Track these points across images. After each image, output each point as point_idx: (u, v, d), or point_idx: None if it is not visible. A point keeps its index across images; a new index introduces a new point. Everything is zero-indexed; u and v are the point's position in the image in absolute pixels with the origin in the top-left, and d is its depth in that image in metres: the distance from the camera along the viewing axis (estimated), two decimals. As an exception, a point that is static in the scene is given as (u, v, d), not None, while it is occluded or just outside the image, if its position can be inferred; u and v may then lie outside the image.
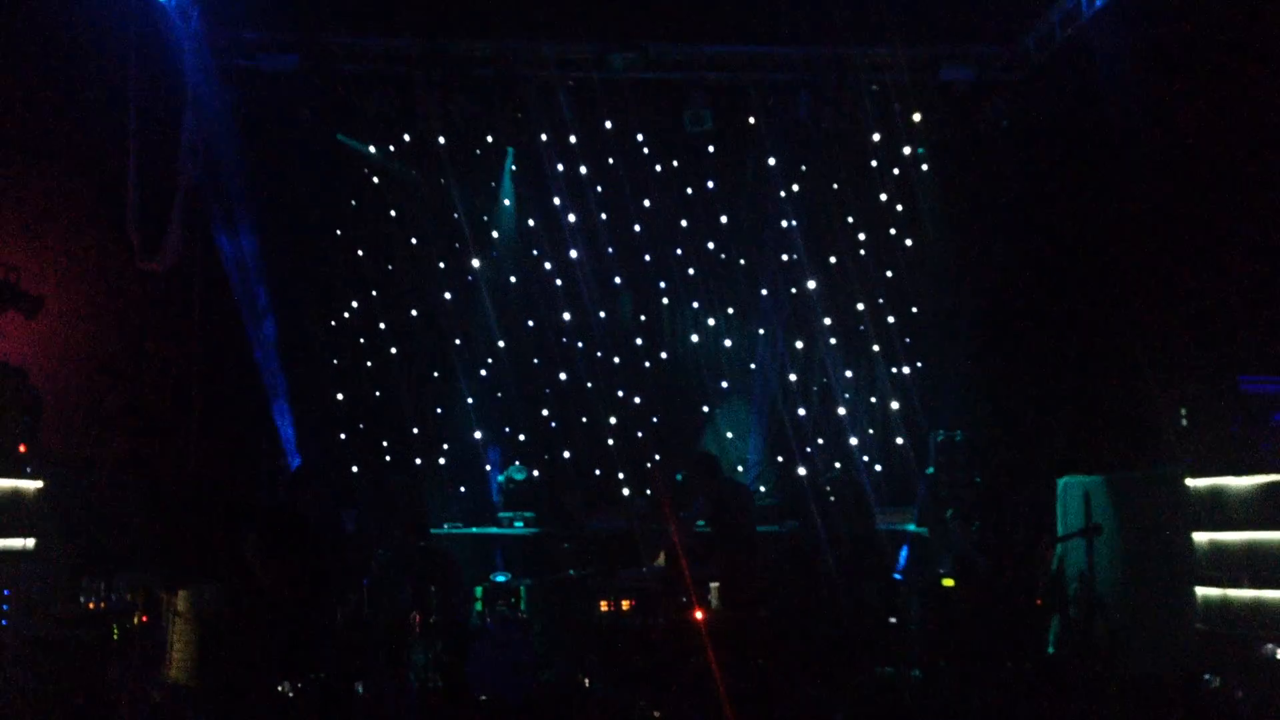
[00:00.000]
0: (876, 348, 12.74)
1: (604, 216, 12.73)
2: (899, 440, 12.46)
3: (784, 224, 12.70)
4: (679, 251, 13.00)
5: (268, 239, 11.35)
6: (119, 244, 9.88)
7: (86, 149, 9.80)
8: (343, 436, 12.24)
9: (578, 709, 8.33)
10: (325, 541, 8.81)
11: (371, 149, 12.43)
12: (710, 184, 12.87)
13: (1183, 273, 9.38)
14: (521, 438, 12.61)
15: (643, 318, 13.15)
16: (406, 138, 12.29)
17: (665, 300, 13.12)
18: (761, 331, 13.06)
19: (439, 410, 12.72)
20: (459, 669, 8.53)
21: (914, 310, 12.92)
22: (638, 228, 12.86)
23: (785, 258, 12.90)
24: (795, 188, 12.82)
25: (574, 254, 12.72)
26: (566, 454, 12.60)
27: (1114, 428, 9.94)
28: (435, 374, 12.75)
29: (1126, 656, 8.67)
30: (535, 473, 12.08)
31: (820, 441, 12.80)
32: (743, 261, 13.04)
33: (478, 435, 12.53)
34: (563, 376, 12.77)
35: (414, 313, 12.75)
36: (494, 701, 8.37)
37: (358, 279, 12.62)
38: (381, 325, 12.66)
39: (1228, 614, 8.00)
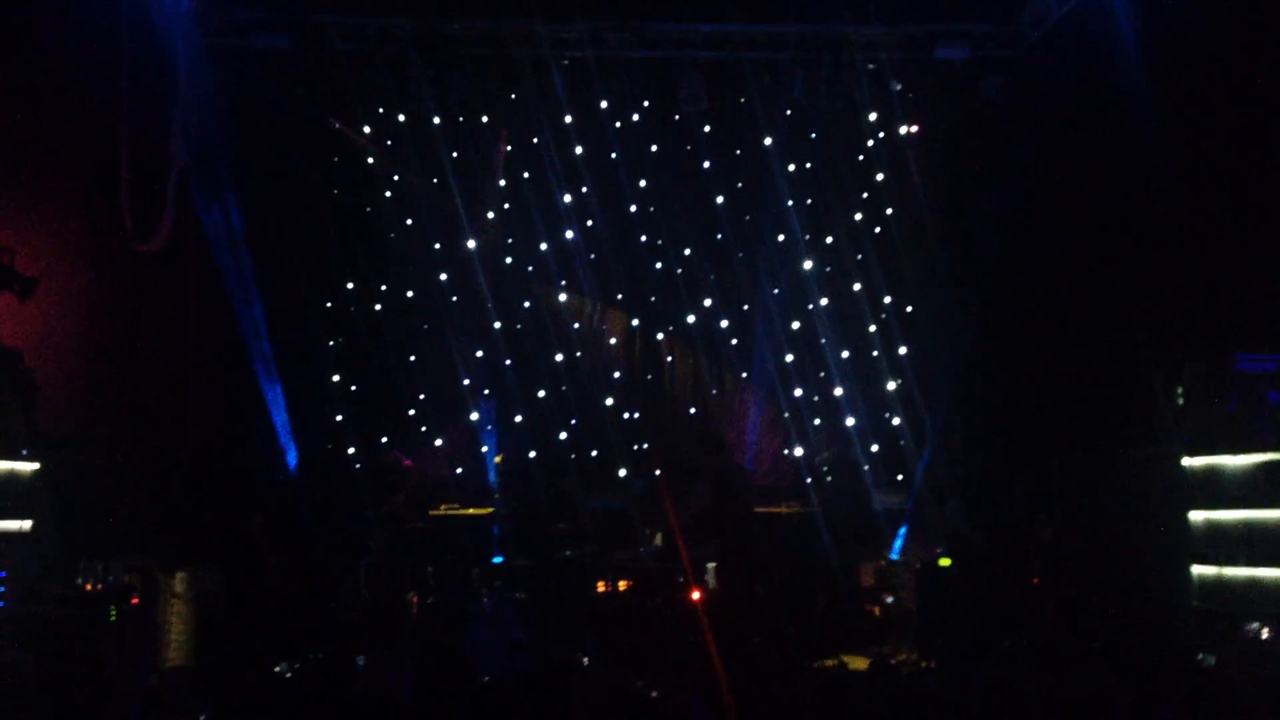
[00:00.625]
0: (873, 328, 12.71)
1: (599, 196, 12.69)
2: (896, 420, 12.46)
3: (780, 203, 12.66)
4: (675, 231, 12.95)
5: (261, 220, 11.29)
6: (113, 225, 9.83)
7: (79, 130, 9.74)
8: (339, 418, 12.23)
9: (574, 689, 8.32)
10: (331, 524, 8.83)
11: (366, 129, 12.38)
12: (706, 163, 12.79)
13: (1180, 251, 9.35)
14: (518, 419, 12.59)
15: (639, 298, 13.13)
16: (401, 118, 12.24)
17: (660, 280, 13.07)
18: (757, 311, 13.03)
19: (435, 392, 12.70)
20: (456, 649, 8.53)
21: (910, 289, 12.90)
22: (633, 207, 12.83)
23: (781, 237, 12.88)
24: (791, 167, 12.78)
25: (569, 234, 12.68)
26: (563, 435, 12.59)
27: (1110, 406, 9.93)
28: (431, 355, 12.73)
29: (1122, 635, 8.69)
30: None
31: (817, 421, 12.81)
32: (739, 241, 13.00)
33: (474, 416, 12.52)
34: (559, 357, 12.75)
35: (409, 294, 12.73)
36: (491, 682, 8.37)
37: (352, 260, 12.58)
38: (377, 306, 12.65)
39: (1224, 592, 8.01)
